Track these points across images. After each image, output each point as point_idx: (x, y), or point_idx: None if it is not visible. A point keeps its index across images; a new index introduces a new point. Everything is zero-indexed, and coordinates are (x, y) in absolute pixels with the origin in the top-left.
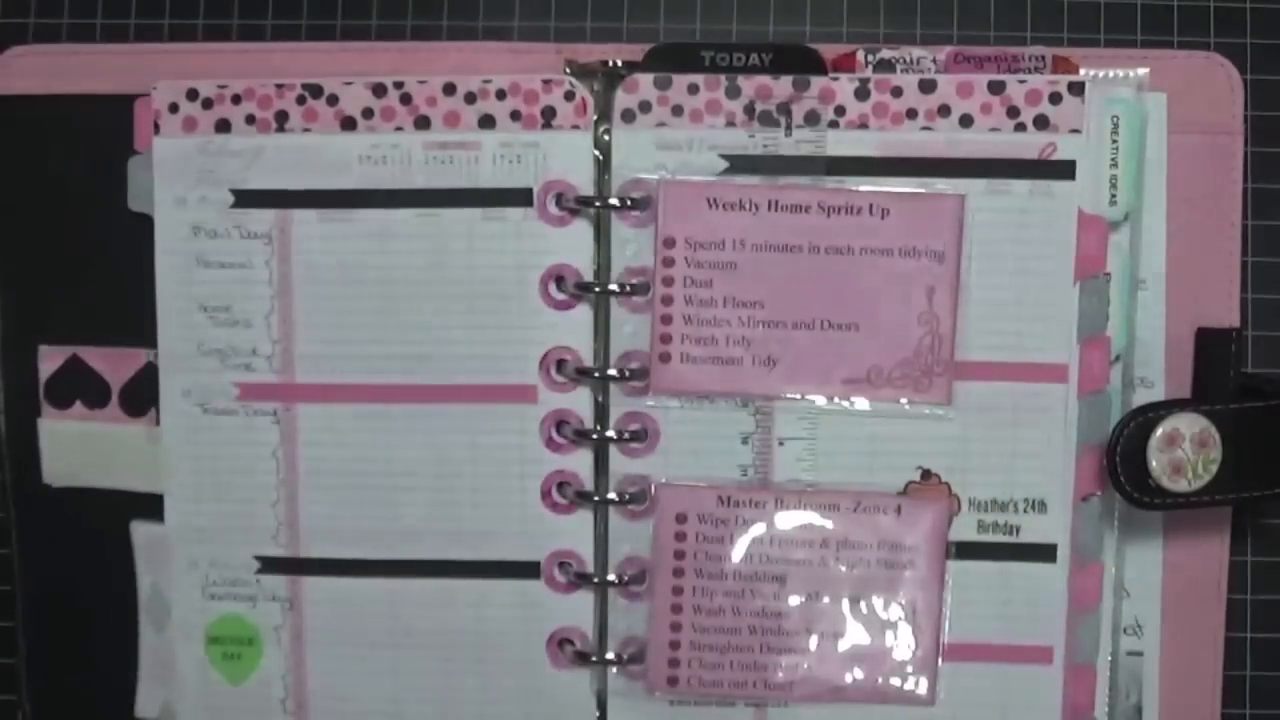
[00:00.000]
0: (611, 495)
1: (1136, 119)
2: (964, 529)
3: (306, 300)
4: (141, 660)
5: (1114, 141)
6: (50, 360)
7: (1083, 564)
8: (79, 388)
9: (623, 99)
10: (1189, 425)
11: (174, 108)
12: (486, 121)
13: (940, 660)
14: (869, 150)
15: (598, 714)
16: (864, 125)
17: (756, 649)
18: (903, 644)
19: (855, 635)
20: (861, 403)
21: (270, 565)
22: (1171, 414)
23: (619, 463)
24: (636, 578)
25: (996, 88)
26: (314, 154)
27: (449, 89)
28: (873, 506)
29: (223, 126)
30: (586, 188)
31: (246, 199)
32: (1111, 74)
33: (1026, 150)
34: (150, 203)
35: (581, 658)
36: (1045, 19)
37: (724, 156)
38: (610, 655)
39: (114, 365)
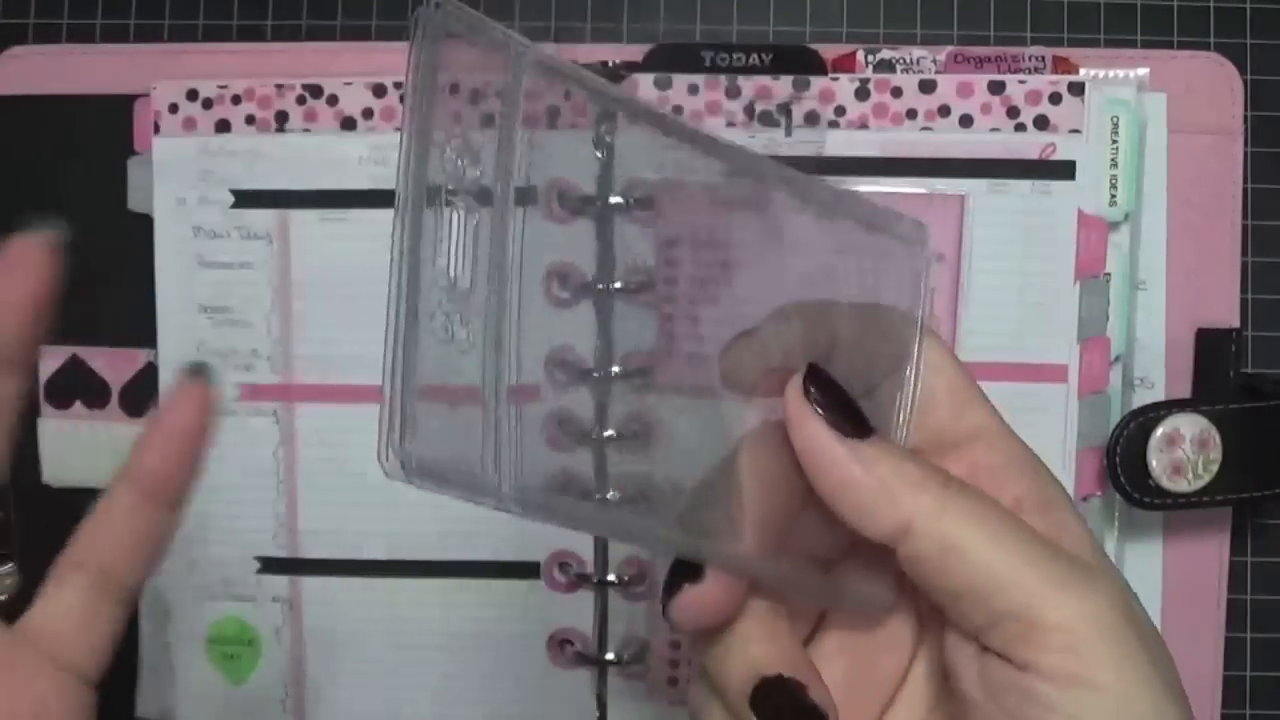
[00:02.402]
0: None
1: (1136, 119)
2: None
3: (306, 300)
4: (142, 660)
5: (1114, 141)
6: (50, 360)
7: None
8: (79, 388)
9: None
10: (1189, 425)
11: (174, 108)
12: (487, 121)
13: None
14: (869, 150)
15: (598, 714)
16: (864, 126)
17: None
18: None
19: None
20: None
21: (270, 565)
22: (1171, 414)
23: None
24: (636, 578)
25: (996, 88)
26: (314, 154)
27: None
28: None
29: (223, 126)
30: (588, 187)
31: (246, 199)
32: (1111, 74)
33: (1027, 150)
34: (150, 203)
35: (581, 658)
36: (1045, 19)
37: None
38: (610, 655)
39: (114, 365)
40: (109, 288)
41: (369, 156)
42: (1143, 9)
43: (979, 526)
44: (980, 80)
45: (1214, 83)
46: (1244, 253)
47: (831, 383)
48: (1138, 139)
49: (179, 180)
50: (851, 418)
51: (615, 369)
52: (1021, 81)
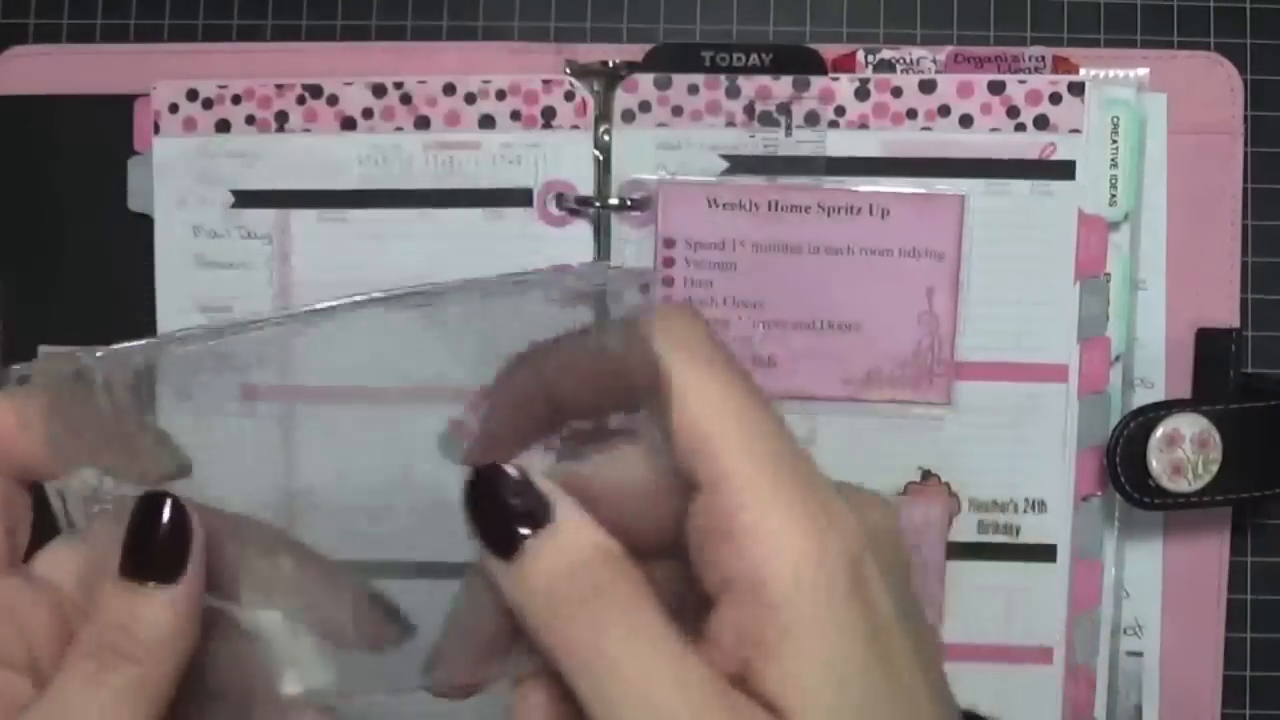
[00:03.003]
0: None
1: (1136, 119)
2: (964, 529)
3: (306, 300)
4: None
5: (1114, 141)
6: None
7: (1083, 564)
8: None
9: (623, 99)
10: (1189, 425)
11: (174, 108)
12: (487, 121)
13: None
14: (869, 150)
15: None
16: (864, 125)
17: None
18: None
19: None
20: (861, 403)
21: None
22: (1171, 414)
23: None
24: None
25: (996, 88)
26: (314, 154)
27: (449, 89)
28: None
29: (223, 126)
30: (586, 188)
31: (246, 199)
32: (1111, 74)
33: (1026, 150)
34: (150, 203)
35: None
36: (1045, 19)
37: (724, 157)
38: None
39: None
40: (109, 288)
41: (369, 156)
42: (1143, 9)
43: (579, 674)
44: (980, 80)
45: (1214, 83)
46: (1244, 253)
47: (478, 498)
48: (1138, 139)
49: (179, 180)
50: (514, 523)
51: None
52: (1021, 81)
